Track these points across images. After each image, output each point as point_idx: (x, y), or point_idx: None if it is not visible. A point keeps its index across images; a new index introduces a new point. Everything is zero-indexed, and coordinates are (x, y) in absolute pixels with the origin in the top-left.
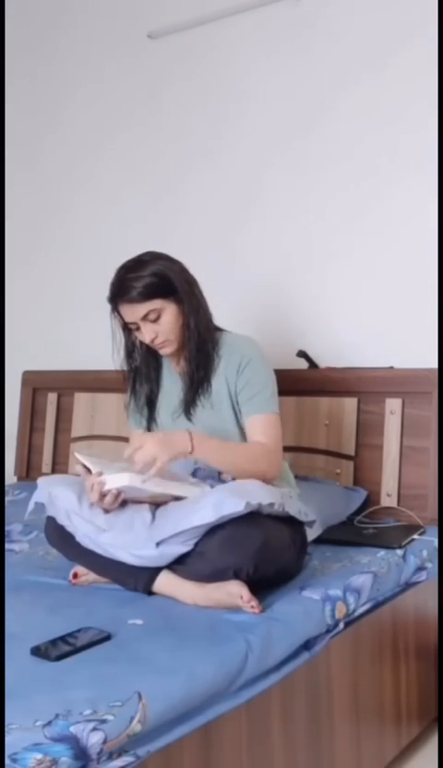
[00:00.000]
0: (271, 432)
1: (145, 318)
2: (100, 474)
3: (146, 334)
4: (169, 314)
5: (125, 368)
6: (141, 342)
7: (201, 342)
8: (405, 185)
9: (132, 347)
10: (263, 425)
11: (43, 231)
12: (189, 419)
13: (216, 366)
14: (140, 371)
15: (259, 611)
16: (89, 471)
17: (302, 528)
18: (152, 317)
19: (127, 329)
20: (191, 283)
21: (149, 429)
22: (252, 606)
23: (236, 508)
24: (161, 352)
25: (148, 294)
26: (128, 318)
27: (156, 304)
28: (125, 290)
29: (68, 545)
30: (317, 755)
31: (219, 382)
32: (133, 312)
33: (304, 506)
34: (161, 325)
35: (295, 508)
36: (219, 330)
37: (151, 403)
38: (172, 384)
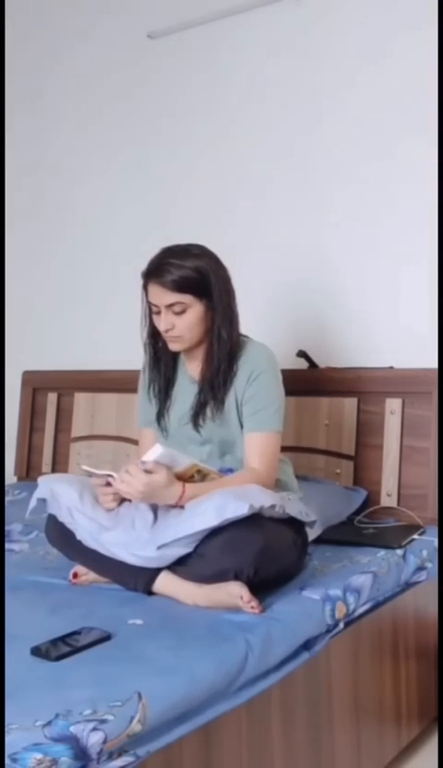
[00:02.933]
0: (267, 453)
1: (170, 306)
2: (109, 475)
3: (163, 322)
4: (194, 312)
5: (148, 349)
6: None
7: (231, 355)
8: (405, 188)
9: (156, 330)
10: (261, 444)
11: (44, 230)
12: (196, 429)
13: (233, 376)
14: (161, 355)
15: (260, 611)
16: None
17: (303, 529)
18: (177, 309)
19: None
20: (229, 293)
21: (159, 427)
22: (252, 607)
23: (239, 511)
24: (170, 346)
25: (181, 286)
26: (153, 299)
27: (186, 298)
28: (162, 272)
29: (69, 544)
30: (317, 755)
31: (229, 392)
32: (160, 296)
33: (304, 506)
34: (182, 320)
35: (296, 509)
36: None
37: (165, 394)
38: (183, 387)
